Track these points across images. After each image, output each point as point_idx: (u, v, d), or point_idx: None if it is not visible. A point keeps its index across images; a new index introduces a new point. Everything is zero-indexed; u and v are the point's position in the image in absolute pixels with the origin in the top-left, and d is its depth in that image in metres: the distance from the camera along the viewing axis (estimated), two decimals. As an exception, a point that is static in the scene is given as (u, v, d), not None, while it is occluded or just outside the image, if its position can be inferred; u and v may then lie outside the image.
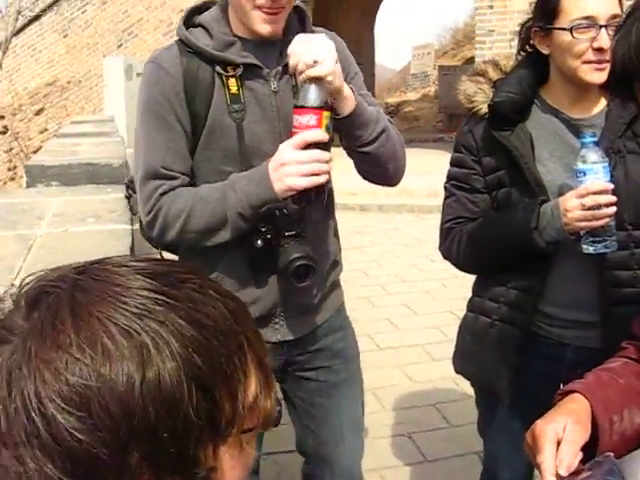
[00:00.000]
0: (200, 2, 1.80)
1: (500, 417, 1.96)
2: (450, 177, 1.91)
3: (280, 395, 1.98)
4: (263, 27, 1.65)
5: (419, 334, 4.66)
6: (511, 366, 1.83)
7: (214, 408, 0.62)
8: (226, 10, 1.72)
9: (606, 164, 1.60)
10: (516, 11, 9.39)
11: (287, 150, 1.59)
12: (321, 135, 1.57)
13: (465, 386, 3.73)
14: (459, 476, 3.06)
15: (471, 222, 1.85)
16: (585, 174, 1.60)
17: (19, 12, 13.16)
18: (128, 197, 2.17)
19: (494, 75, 1.82)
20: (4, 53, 12.16)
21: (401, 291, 5.51)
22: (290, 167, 1.58)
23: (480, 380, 1.97)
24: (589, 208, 1.59)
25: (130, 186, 2.12)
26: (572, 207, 1.61)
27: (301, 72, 1.56)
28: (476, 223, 1.84)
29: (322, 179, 1.59)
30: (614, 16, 1.60)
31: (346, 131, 1.70)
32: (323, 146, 1.58)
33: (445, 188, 1.93)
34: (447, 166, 1.94)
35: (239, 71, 1.67)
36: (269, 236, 1.70)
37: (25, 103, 14.62)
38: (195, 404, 0.60)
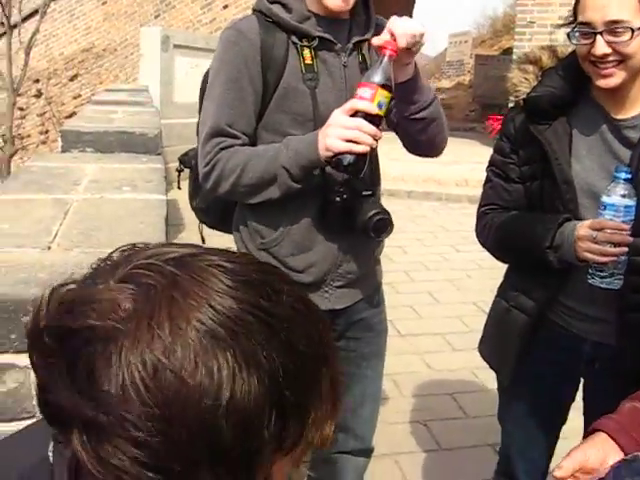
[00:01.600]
0: None
1: (517, 406, 1.98)
2: (490, 163, 1.92)
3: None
4: (334, 2, 1.76)
5: (441, 323, 4.66)
6: (517, 353, 1.88)
7: (285, 431, 0.61)
8: None
9: (631, 203, 1.58)
10: (558, 3, 9.26)
11: (336, 114, 1.69)
12: (369, 106, 1.64)
13: (484, 378, 3.73)
14: (472, 466, 3.07)
15: (504, 211, 1.87)
16: (606, 208, 1.59)
17: (59, -23, 13.19)
18: (179, 171, 2.19)
19: (548, 62, 1.80)
20: (42, 17, 12.20)
21: (425, 279, 5.50)
22: (333, 129, 1.67)
23: (491, 362, 2.01)
24: (599, 243, 1.58)
25: (183, 160, 2.16)
26: (583, 237, 1.61)
27: (414, 43, 1.66)
28: (503, 219, 1.85)
29: (360, 148, 1.65)
30: (613, 22, 1.57)
31: (406, 96, 1.79)
32: (372, 120, 1.65)
33: (486, 172, 1.94)
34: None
35: (314, 43, 1.81)
36: (345, 196, 1.81)
37: (60, 68, 14.70)
38: (271, 428, 0.59)
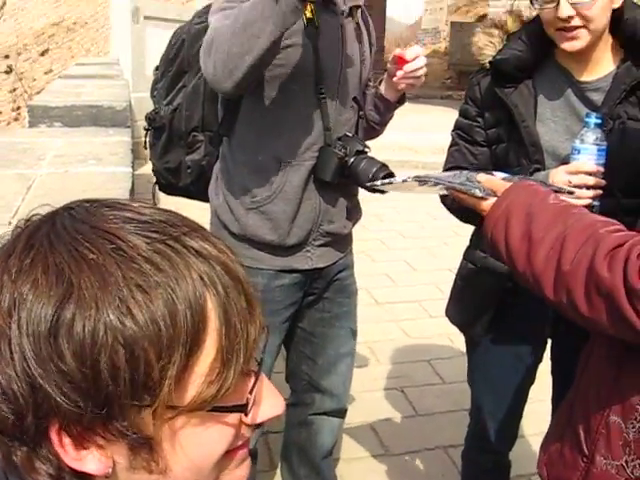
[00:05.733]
0: None
1: (484, 368, 2.00)
2: (456, 126, 1.93)
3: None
4: None
5: (417, 290, 4.67)
6: (485, 315, 1.90)
7: (135, 370, 0.57)
8: None
9: (603, 147, 1.60)
10: (532, -31, 9.17)
11: None
12: None
13: (460, 343, 3.74)
14: (449, 431, 3.10)
15: None
16: (579, 152, 1.61)
17: (26, -51, 12.89)
18: (147, 130, 2.15)
19: (513, 27, 1.80)
20: (10, -10, 11.95)
21: (401, 247, 5.51)
22: None
23: (461, 325, 2.03)
24: (575, 186, 1.59)
25: (152, 118, 2.11)
26: (559, 182, 1.61)
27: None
28: None
29: None
30: None
31: (383, 112, 2.02)
32: None
33: (451, 136, 1.94)
34: (453, 124, 1.95)
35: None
36: (345, 150, 1.85)
37: (30, 43, 14.41)
38: (110, 358, 0.56)
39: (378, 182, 1.54)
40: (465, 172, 1.50)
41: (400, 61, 1.84)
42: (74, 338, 0.56)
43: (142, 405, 0.59)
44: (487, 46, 1.79)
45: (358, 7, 1.97)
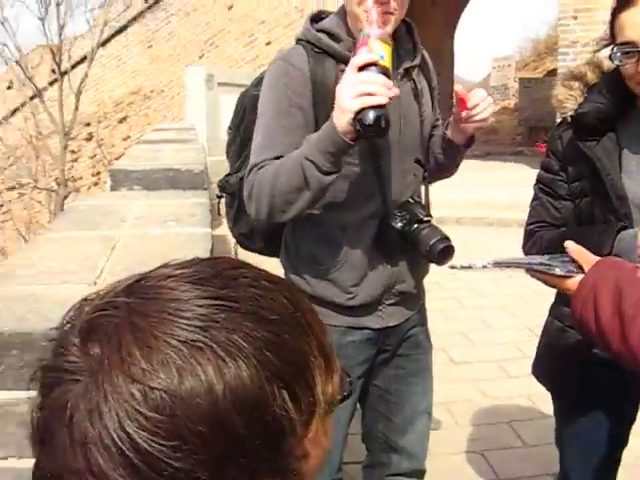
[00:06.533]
0: (316, 12, 1.96)
1: (575, 428, 1.92)
2: (538, 180, 1.90)
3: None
4: None
5: (494, 350, 4.55)
6: (575, 373, 1.84)
7: (297, 402, 0.60)
8: (344, 18, 1.86)
9: None
10: (601, 22, 9.09)
11: (341, 81, 1.61)
12: (368, 56, 1.56)
13: (542, 405, 3.63)
14: (533, 497, 2.97)
15: (553, 227, 1.84)
16: None
17: (106, 23, 13.59)
18: (219, 197, 2.21)
19: (593, 78, 1.77)
20: (91, 63, 12.57)
21: (477, 305, 5.41)
22: (342, 93, 1.57)
23: (549, 384, 1.97)
24: None
25: (224, 185, 2.17)
26: None
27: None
28: (554, 234, 1.81)
29: (374, 100, 1.54)
30: None
31: (451, 155, 1.96)
32: (380, 70, 1.56)
33: (534, 189, 1.92)
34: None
35: None
36: (405, 221, 1.84)
37: (110, 111, 15.10)
38: (280, 403, 0.59)
39: (458, 267, 1.54)
40: (546, 255, 1.51)
41: (463, 104, 1.79)
42: (245, 405, 0.57)
43: (308, 432, 0.63)
44: (568, 99, 1.77)
45: (414, 67, 1.93)
